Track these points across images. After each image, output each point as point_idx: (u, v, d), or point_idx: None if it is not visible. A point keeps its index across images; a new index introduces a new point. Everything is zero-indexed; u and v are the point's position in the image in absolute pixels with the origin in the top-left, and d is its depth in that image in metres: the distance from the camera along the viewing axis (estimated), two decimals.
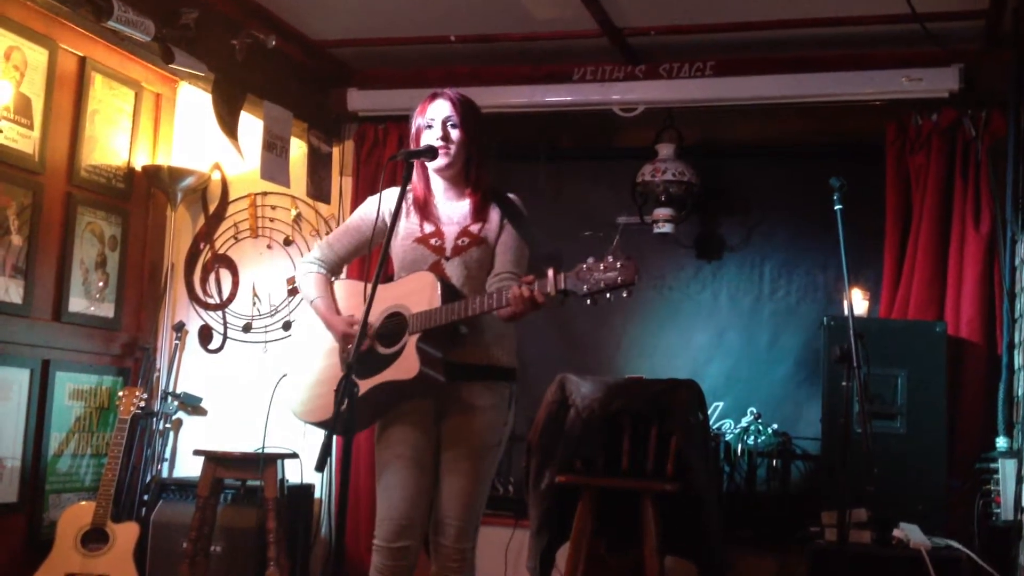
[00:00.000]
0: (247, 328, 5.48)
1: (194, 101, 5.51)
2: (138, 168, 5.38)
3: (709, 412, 4.43)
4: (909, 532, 3.82)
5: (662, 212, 4.99)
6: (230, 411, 5.36)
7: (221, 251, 5.56)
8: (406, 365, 2.97)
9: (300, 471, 4.91)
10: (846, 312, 3.81)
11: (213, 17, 4.48)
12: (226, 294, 5.53)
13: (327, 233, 5.12)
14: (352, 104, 5.32)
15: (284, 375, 3.40)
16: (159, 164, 5.45)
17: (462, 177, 3.22)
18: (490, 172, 3.24)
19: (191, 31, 4.29)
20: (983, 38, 4.45)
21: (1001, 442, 4.13)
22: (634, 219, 5.10)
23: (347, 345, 3.15)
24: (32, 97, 4.71)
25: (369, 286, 2.85)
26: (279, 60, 4.95)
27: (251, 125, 4.97)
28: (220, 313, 5.53)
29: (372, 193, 3.39)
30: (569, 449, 4.05)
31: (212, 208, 5.59)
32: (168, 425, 5.34)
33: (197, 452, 4.74)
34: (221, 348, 5.50)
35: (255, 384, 5.13)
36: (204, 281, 5.56)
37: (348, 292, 3.29)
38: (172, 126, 5.61)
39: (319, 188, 5.36)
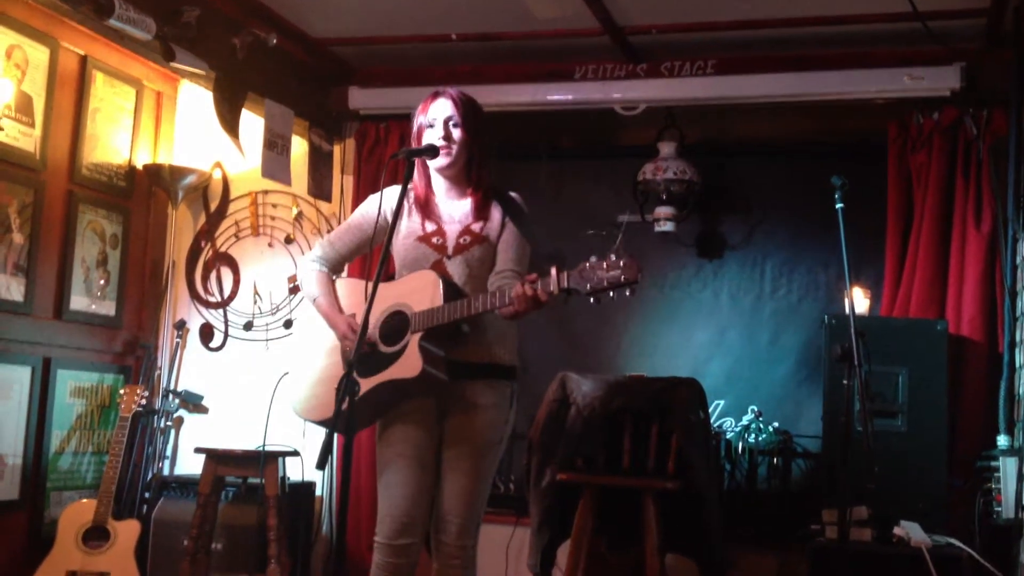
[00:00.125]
0: (248, 326, 5.49)
1: (195, 99, 5.52)
2: (139, 166, 5.39)
3: (710, 410, 4.43)
4: (910, 530, 3.82)
5: (663, 211, 4.99)
6: (231, 409, 5.36)
7: (222, 249, 5.56)
8: (409, 363, 2.98)
9: (301, 469, 4.92)
10: (847, 310, 3.81)
11: (214, 15, 4.48)
12: (227, 292, 5.53)
13: (328, 231, 5.12)
14: (353, 102, 5.32)
15: (285, 373, 3.41)
16: (160, 162, 5.46)
17: (463, 176, 3.23)
18: (491, 171, 3.25)
19: (192, 29, 4.29)
20: (984, 37, 4.45)
21: (1002, 440, 4.13)
22: (635, 218, 5.10)
23: (349, 343, 3.15)
24: (33, 95, 4.71)
25: (371, 285, 2.86)
26: (280, 58, 4.95)
27: (252, 123, 4.97)
28: (221, 311, 5.53)
29: (373, 191, 3.39)
30: (570, 447, 4.05)
31: (213, 206, 5.59)
32: (169, 423, 5.35)
33: (198, 450, 4.75)
34: (222, 346, 5.51)
35: (256, 382, 5.13)
36: (205, 279, 5.56)
37: (350, 290, 3.30)
38: (173, 124, 5.61)
39: (320, 186, 5.36)
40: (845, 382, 3.75)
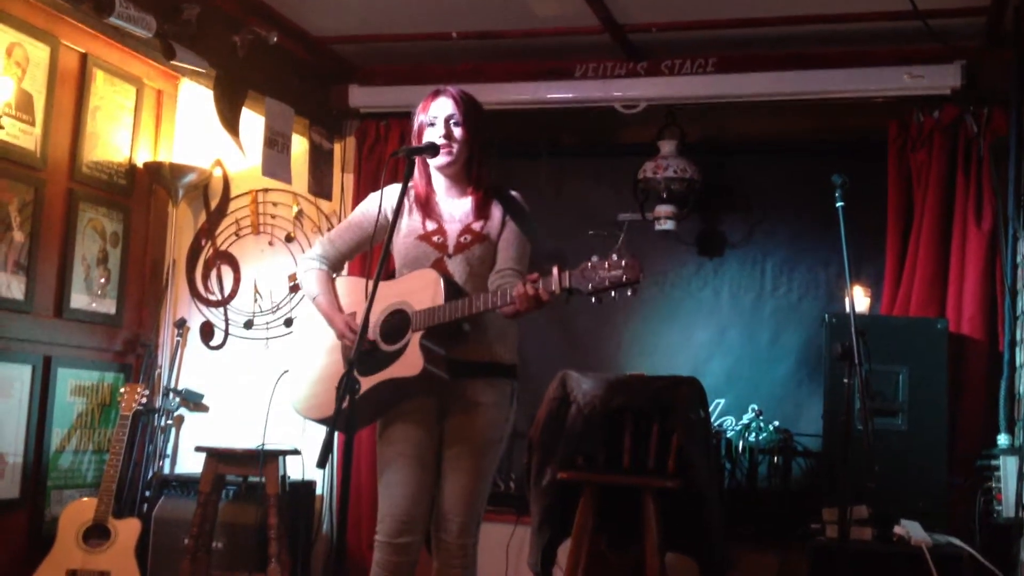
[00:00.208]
0: (248, 325, 5.49)
1: (195, 97, 5.51)
2: (140, 165, 5.39)
3: (710, 409, 4.43)
4: (910, 529, 3.82)
5: (664, 209, 4.99)
6: (231, 408, 5.36)
7: (222, 248, 5.56)
8: (410, 362, 2.98)
9: (302, 467, 4.91)
10: (847, 309, 3.81)
11: (214, 13, 4.48)
12: (227, 291, 5.53)
13: (328, 230, 5.11)
14: (354, 100, 5.31)
15: (285, 371, 3.41)
16: (160, 161, 5.46)
17: (464, 174, 3.23)
18: (492, 169, 3.25)
19: (192, 27, 4.29)
20: (985, 35, 4.44)
21: (1002, 439, 4.13)
22: (635, 216, 5.10)
23: (349, 342, 3.15)
24: (34, 93, 4.71)
25: (371, 283, 2.86)
26: (281, 56, 4.94)
27: (252, 122, 4.97)
28: (222, 310, 5.53)
29: (374, 190, 3.39)
30: (570, 446, 4.05)
31: (213, 205, 5.59)
32: (170, 421, 5.35)
33: (199, 448, 4.75)
34: (223, 345, 5.51)
35: (256, 381, 5.13)
36: (206, 278, 5.56)
37: (350, 289, 3.30)
38: (173, 122, 5.61)
39: (321, 185, 5.36)
40: (845, 381, 3.75)
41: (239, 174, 5.56)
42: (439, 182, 3.24)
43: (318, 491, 5.16)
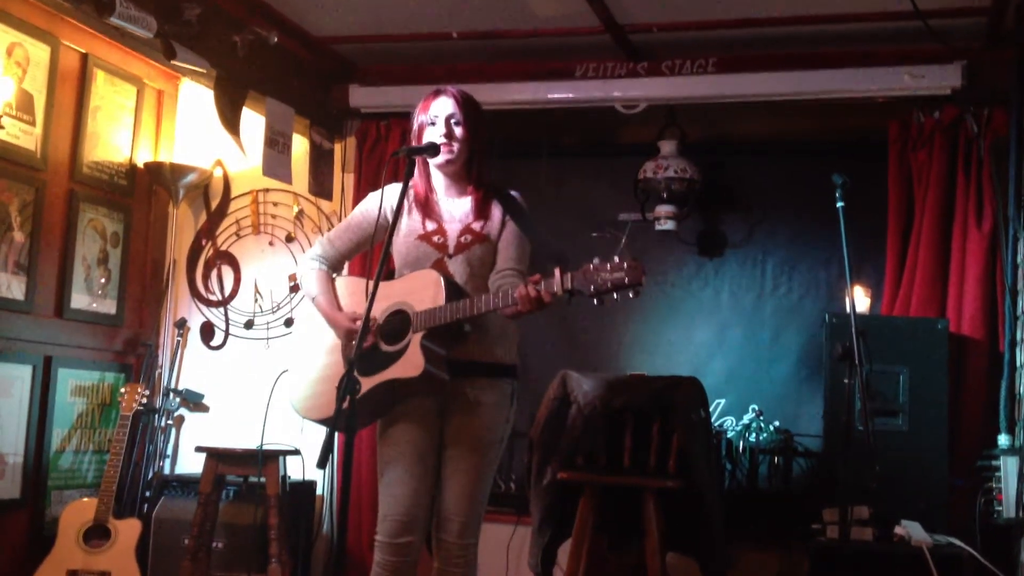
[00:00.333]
0: (249, 325, 5.49)
1: (196, 97, 5.51)
2: (140, 165, 5.38)
3: (711, 409, 4.43)
4: (911, 529, 3.82)
5: (664, 209, 5.00)
6: (232, 408, 5.36)
7: (223, 248, 5.56)
8: (411, 363, 2.98)
9: (302, 468, 4.91)
10: (848, 309, 3.81)
11: (215, 13, 4.48)
12: (228, 291, 5.53)
13: (329, 230, 5.11)
14: (354, 100, 5.31)
15: (284, 371, 3.41)
16: (161, 161, 5.46)
17: (464, 174, 3.23)
18: (491, 169, 3.25)
19: (193, 27, 4.29)
20: (985, 35, 4.44)
21: (1003, 439, 4.13)
22: (636, 216, 5.10)
23: (350, 342, 3.14)
24: (34, 93, 4.71)
25: (371, 283, 2.86)
26: (281, 56, 4.94)
27: (253, 122, 4.97)
28: (222, 310, 5.53)
29: (374, 190, 3.39)
30: (571, 446, 4.04)
31: (214, 205, 5.59)
32: (170, 422, 5.35)
33: (199, 449, 4.75)
34: (223, 345, 5.51)
35: (257, 381, 5.12)
36: (206, 278, 5.56)
37: (350, 289, 3.30)
38: (174, 122, 5.61)
39: (321, 185, 5.36)
40: (846, 381, 3.76)
41: (240, 174, 5.56)
42: (438, 181, 3.24)
43: (318, 491, 5.16)
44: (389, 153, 5.19)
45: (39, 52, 4.72)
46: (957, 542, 3.85)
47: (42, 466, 4.82)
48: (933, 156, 4.59)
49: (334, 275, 3.35)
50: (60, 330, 4.92)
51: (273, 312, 5.46)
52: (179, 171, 5.39)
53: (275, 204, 5.52)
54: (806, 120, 5.01)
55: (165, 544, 4.75)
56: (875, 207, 4.68)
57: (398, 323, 3.06)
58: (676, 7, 4.48)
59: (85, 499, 4.68)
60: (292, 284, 5.41)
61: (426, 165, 3.22)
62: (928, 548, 3.71)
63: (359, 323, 3.03)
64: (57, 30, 4.78)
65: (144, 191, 5.45)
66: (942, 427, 4.21)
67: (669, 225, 5.00)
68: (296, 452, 4.77)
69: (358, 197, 5.15)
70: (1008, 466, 3.93)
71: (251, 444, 4.65)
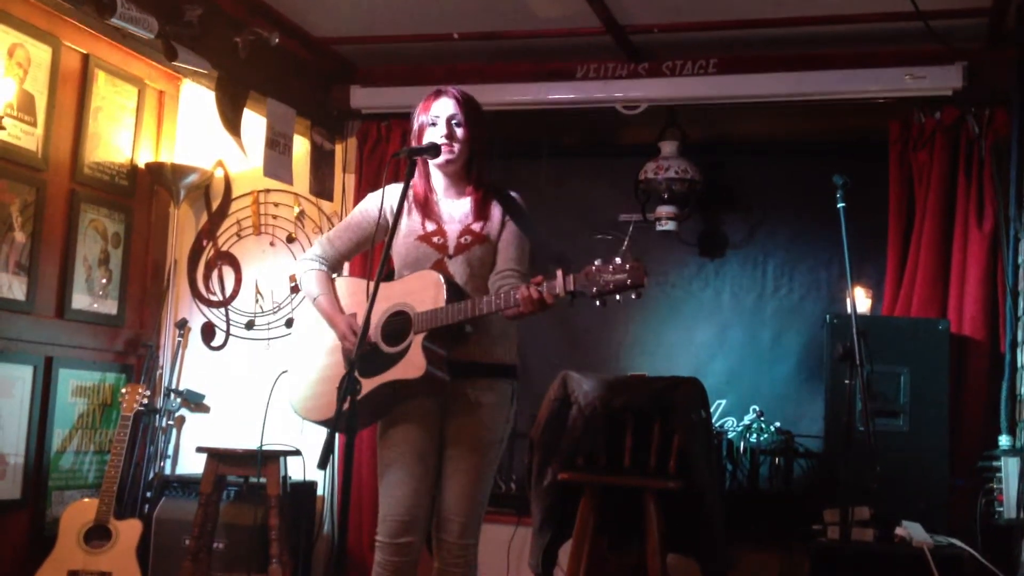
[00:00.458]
0: (250, 325, 5.49)
1: (197, 98, 5.51)
2: (141, 165, 5.39)
3: (711, 410, 4.43)
4: (911, 530, 3.82)
5: (665, 210, 5.00)
6: (233, 408, 5.36)
7: (224, 248, 5.56)
8: (412, 364, 2.98)
9: (303, 468, 4.91)
10: (849, 310, 3.81)
11: (216, 14, 4.48)
12: (229, 291, 5.53)
13: (329, 230, 5.12)
14: (355, 101, 5.31)
15: (283, 371, 3.40)
16: (162, 161, 5.46)
17: (464, 175, 3.23)
18: (491, 169, 3.25)
19: (194, 28, 4.30)
20: (986, 36, 4.44)
21: (1004, 440, 4.13)
22: (637, 217, 5.10)
23: (350, 343, 3.14)
24: (35, 94, 4.72)
25: (372, 284, 2.86)
26: (282, 57, 4.94)
27: (254, 122, 4.97)
28: (223, 310, 5.53)
29: (375, 190, 3.39)
30: (571, 446, 4.04)
31: (215, 205, 5.59)
32: (171, 422, 5.35)
33: (200, 449, 4.75)
34: (224, 345, 5.51)
35: (258, 381, 5.12)
36: (207, 278, 5.57)
37: (350, 289, 3.29)
38: (175, 123, 5.61)
39: (322, 185, 5.36)
40: (847, 381, 3.75)
41: (240, 175, 5.56)
42: (438, 181, 3.24)
43: (319, 492, 5.16)
44: (390, 154, 5.19)
45: (40, 53, 4.72)
46: (958, 543, 3.85)
47: (43, 466, 4.82)
48: (934, 156, 4.59)
49: (333, 275, 3.35)
50: (61, 330, 4.92)
51: (274, 312, 5.47)
52: (180, 172, 5.39)
53: (276, 205, 5.53)
54: (807, 121, 5.01)
55: (166, 544, 4.75)
56: (876, 207, 4.68)
57: (399, 324, 3.06)
58: (677, 8, 4.49)
59: (86, 499, 4.68)
60: (293, 285, 5.41)
61: (426, 165, 3.22)
62: (929, 549, 3.70)
63: (359, 324, 3.04)
64: (58, 31, 4.79)
65: (145, 192, 5.46)
66: (943, 428, 4.21)
67: (670, 226, 5.00)
68: (297, 453, 4.77)
69: (359, 198, 5.14)
70: (1009, 467, 3.92)
71: (252, 445, 4.65)
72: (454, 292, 3.01)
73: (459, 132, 3.16)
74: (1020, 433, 4.12)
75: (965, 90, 4.51)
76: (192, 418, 5.46)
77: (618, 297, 2.74)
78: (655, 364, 4.94)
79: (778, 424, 4.68)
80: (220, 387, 5.44)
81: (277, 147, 4.94)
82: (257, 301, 5.50)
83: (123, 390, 4.93)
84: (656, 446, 3.98)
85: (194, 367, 5.49)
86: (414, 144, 3.19)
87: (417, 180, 3.22)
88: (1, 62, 4.50)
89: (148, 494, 5.05)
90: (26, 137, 4.68)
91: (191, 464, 5.21)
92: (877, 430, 3.95)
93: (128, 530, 4.58)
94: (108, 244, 5.20)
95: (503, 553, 4.79)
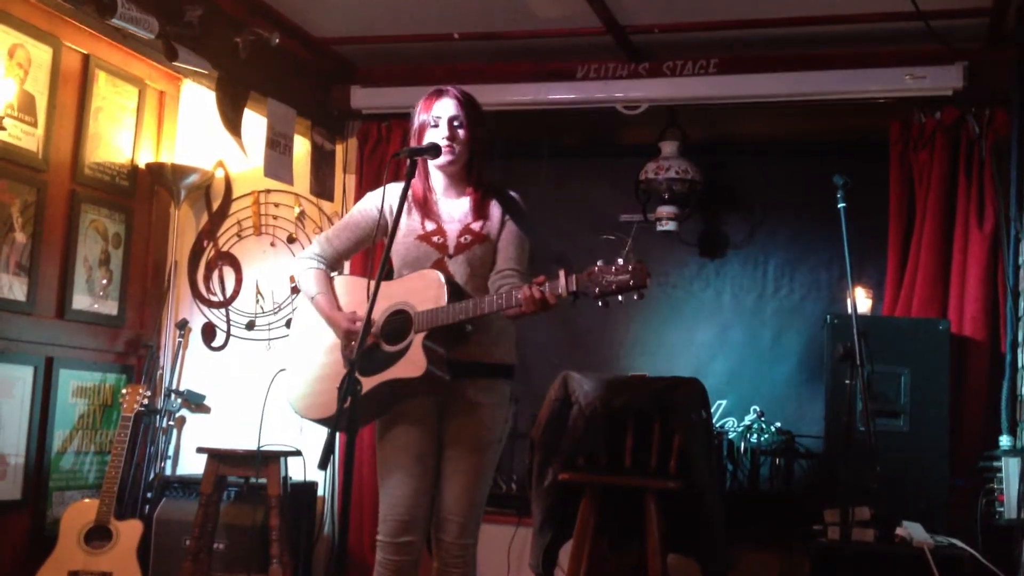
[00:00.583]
0: (250, 326, 5.49)
1: (198, 98, 5.51)
2: (142, 166, 5.39)
3: (712, 410, 4.43)
4: (912, 530, 3.82)
5: (665, 210, 5.00)
6: (233, 409, 5.36)
7: (224, 249, 5.56)
8: (412, 363, 2.98)
9: (303, 469, 4.91)
10: (849, 310, 3.81)
11: (217, 15, 4.48)
12: (229, 292, 5.53)
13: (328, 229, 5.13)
14: (355, 101, 5.31)
15: (281, 370, 3.40)
16: (163, 162, 5.46)
17: (463, 175, 3.23)
18: (491, 169, 3.25)
19: (195, 28, 4.30)
20: (987, 36, 4.44)
21: (1004, 440, 4.13)
22: (637, 217, 5.10)
23: (350, 342, 3.14)
24: (36, 95, 4.72)
25: (372, 283, 2.86)
26: (283, 57, 4.94)
27: (255, 123, 4.97)
28: (223, 311, 5.53)
29: (375, 190, 3.39)
30: (572, 447, 4.04)
31: (215, 206, 5.59)
32: (171, 422, 5.35)
33: (200, 450, 4.75)
34: (224, 346, 5.51)
35: (258, 382, 5.11)
36: (207, 279, 5.57)
37: (349, 288, 3.29)
38: (176, 123, 5.62)
39: (322, 185, 5.36)
40: (847, 382, 3.75)
41: (241, 175, 5.56)
42: (437, 181, 3.24)
43: (319, 492, 5.16)
44: (390, 154, 5.19)
45: (41, 53, 4.72)
46: (958, 543, 3.85)
47: (43, 467, 4.82)
48: (934, 157, 4.59)
49: (332, 274, 3.35)
50: (61, 331, 4.92)
51: (275, 313, 5.47)
52: (180, 172, 5.40)
53: (276, 205, 5.53)
54: (807, 121, 5.01)
55: (166, 545, 4.75)
56: (876, 208, 4.68)
57: (399, 323, 3.06)
58: (677, 8, 4.49)
59: (86, 500, 4.69)
60: (293, 285, 5.40)
61: (425, 165, 3.22)
62: (929, 549, 3.70)
63: (359, 323, 3.04)
64: (59, 31, 4.79)
65: (146, 192, 5.46)
66: (943, 428, 4.20)
67: (670, 226, 5.00)
68: (297, 453, 4.77)
69: (359, 198, 5.07)
70: (1009, 467, 3.92)
71: (252, 445, 4.65)
72: (455, 291, 3.01)
73: (460, 133, 3.16)
74: (1021, 433, 4.12)
75: (965, 90, 4.51)
76: (192, 419, 5.46)
77: (620, 298, 2.75)
78: (656, 364, 4.95)
79: (778, 424, 4.69)
80: (220, 388, 5.44)
81: (278, 147, 4.94)
82: (258, 301, 5.50)
83: (123, 391, 4.93)
84: (657, 446, 3.98)
85: (194, 368, 5.49)
86: (413, 142, 3.19)
87: (416, 180, 3.22)
88: (2, 62, 4.50)
89: (149, 495, 5.05)
90: (27, 137, 4.68)
91: (191, 464, 5.21)
92: (877, 430, 3.95)
93: (129, 530, 4.59)
94: (109, 244, 5.20)
95: (503, 553, 4.79)
